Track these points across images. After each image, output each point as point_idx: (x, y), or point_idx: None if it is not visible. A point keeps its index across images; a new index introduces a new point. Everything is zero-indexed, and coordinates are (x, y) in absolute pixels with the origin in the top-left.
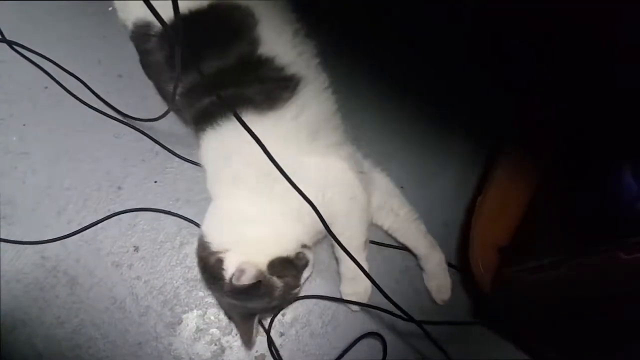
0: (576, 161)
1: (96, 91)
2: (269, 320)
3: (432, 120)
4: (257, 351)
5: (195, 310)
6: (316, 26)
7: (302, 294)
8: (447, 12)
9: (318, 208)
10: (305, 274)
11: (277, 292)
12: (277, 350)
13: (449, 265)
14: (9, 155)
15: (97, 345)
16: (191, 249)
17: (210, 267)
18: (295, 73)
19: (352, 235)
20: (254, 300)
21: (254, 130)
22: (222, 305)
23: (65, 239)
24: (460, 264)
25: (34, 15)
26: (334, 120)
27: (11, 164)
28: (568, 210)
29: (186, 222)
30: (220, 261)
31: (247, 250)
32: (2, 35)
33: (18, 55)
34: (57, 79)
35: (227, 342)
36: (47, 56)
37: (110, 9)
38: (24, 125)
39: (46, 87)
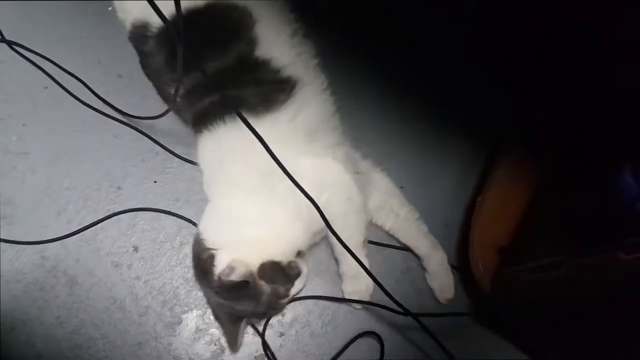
0: (576, 161)
1: (96, 91)
2: (263, 323)
3: (432, 120)
4: (257, 351)
5: (195, 310)
6: (315, 26)
7: (302, 294)
8: (447, 12)
9: (315, 209)
10: (298, 286)
11: (264, 298)
12: (272, 354)
13: (450, 266)
14: (8, 155)
15: (97, 345)
16: (191, 249)
17: (202, 262)
18: (293, 75)
19: (349, 235)
20: (240, 302)
21: (250, 133)
22: (210, 304)
23: (65, 239)
24: (460, 264)
25: (34, 15)
26: (332, 122)
27: (11, 164)
28: (568, 210)
29: (186, 222)
30: (212, 257)
31: (239, 249)
32: (2, 36)
33: (18, 55)
34: (57, 79)
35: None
36: (47, 56)
37: (110, 8)
38: (24, 125)
39: (46, 87)
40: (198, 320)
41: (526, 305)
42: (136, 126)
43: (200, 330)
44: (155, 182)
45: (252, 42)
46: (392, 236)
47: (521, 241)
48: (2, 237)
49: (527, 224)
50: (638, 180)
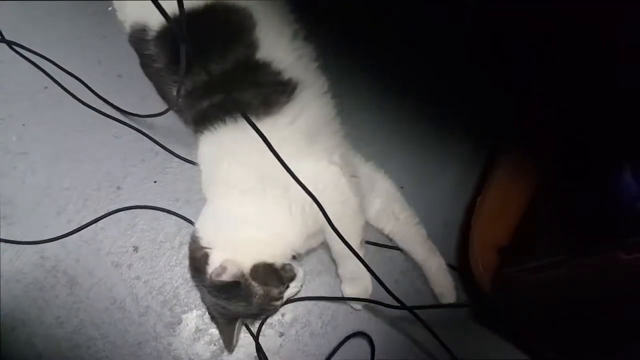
0: (576, 161)
1: (96, 91)
2: (257, 327)
3: (432, 120)
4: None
5: (194, 310)
6: (316, 27)
7: (301, 294)
8: (447, 12)
9: (314, 211)
10: (292, 289)
11: (256, 299)
12: (265, 357)
13: (449, 266)
14: (8, 155)
15: (97, 345)
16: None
17: (196, 260)
18: (293, 77)
19: (346, 238)
20: (232, 302)
21: (250, 134)
22: (205, 303)
23: (65, 239)
24: (460, 264)
25: (34, 15)
26: (333, 125)
27: (11, 164)
28: (568, 210)
29: (186, 222)
30: (206, 256)
31: (233, 249)
32: (2, 36)
33: (18, 56)
34: (57, 79)
35: None
36: (47, 56)
37: (110, 8)
38: (24, 125)
39: (46, 87)
40: (198, 320)
41: (526, 305)
42: (136, 126)
43: (200, 330)
44: (155, 182)
45: (253, 45)
46: (390, 240)
47: (521, 241)
48: (2, 237)
49: (527, 224)
50: (638, 180)
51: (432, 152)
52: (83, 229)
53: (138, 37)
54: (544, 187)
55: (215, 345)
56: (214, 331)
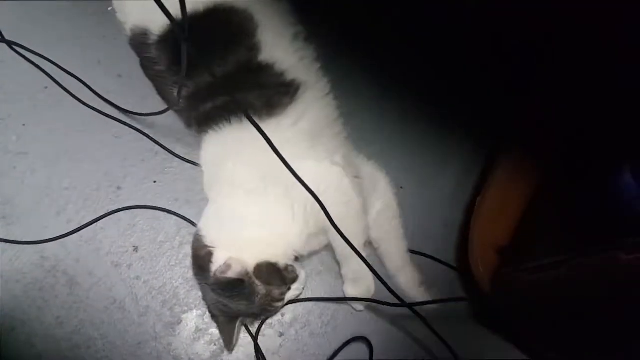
0: (576, 161)
1: (96, 91)
2: (256, 327)
3: (432, 120)
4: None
5: (194, 310)
6: (316, 27)
7: (302, 295)
8: (447, 12)
9: (316, 212)
10: (293, 291)
11: (259, 299)
12: (264, 357)
13: (449, 266)
14: (8, 155)
15: (97, 345)
16: (191, 248)
17: (200, 259)
18: (296, 78)
19: (349, 239)
20: (234, 300)
21: (253, 135)
22: (206, 301)
23: (65, 239)
24: (460, 264)
25: (34, 15)
26: (336, 126)
27: (10, 164)
28: (568, 210)
29: (186, 222)
30: (210, 254)
31: (237, 248)
32: (2, 36)
33: (18, 56)
34: (56, 79)
35: None
36: (47, 56)
37: (110, 8)
38: (24, 125)
39: (46, 87)
40: (198, 320)
41: (526, 305)
42: (136, 126)
43: (200, 330)
44: (155, 182)
45: (255, 46)
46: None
47: (521, 241)
48: (2, 237)
49: (527, 224)
50: (638, 180)
51: (432, 152)
52: (83, 229)
53: (139, 41)
54: (544, 187)
55: (215, 345)
56: (214, 331)
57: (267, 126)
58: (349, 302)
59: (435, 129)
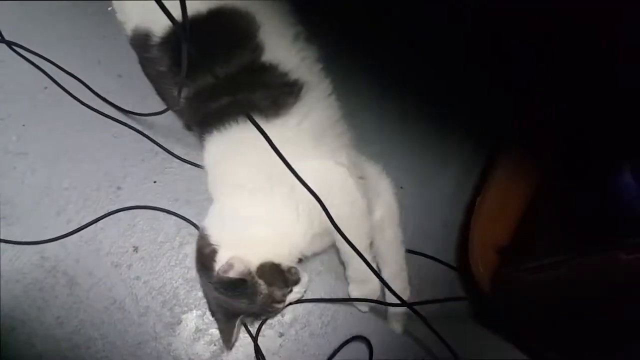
0: (576, 161)
1: (96, 91)
2: (256, 328)
3: (432, 120)
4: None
5: (194, 311)
6: (316, 27)
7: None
8: (447, 12)
9: (318, 214)
10: (295, 294)
11: (260, 298)
12: (263, 358)
13: (449, 266)
14: (8, 156)
15: (97, 345)
16: (190, 249)
17: (204, 257)
18: (299, 78)
19: (354, 239)
20: (236, 299)
21: (258, 135)
22: (208, 299)
23: (65, 240)
24: (460, 264)
25: (34, 15)
26: (339, 127)
27: (10, 164)
28: (568, 210)
29: (185, 223)
30: (214, 252)
31: (241, 247)
32: (2, 36)
33: (17, 56)
34: (56, 79)
35: None
36: (47, 56)
37: (110, 9)
38: (24, 125)
39: (46, 88)
40: (198, 320)
41: (526, 305)
42: (136, 126)
43: (200, 330)
44: (155, 182)
45: (258, 47)
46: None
47: (521, 241)
48: (2, 237)
49: (527, 224)
50: (638, 180)
51: (432, 152)
52: (83, 229)
53: (140, 41)
54: (544, 187)
55: (215, 345)
56: (214, 331)
57: (273, 126)
58: (353, 303)
59: (435, 129)
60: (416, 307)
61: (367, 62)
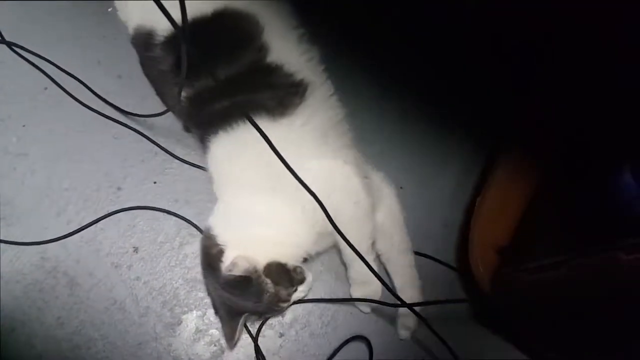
0: (576, 161)
1: (96, 92)
2: (257, 328)
3: (432, 120)
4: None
5: (194, 311)
6: (316, 27)
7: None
8: (447, 12)
9: (321, 214)
10: (299, 293)
11: (266, 297)
12: (263, 358)
13: (449, 266)
14: (8, 156)
15: (97, 346)
16: (191, 250)
17: (211, 257)
18: (304, 79)
19: (357, 240)
20: (242, 297)
21: (268, 135)
22: (212, 297)
23: (65, 240)
24: (460, 264)
25: (34, 15)
26: (342, 127)
27: (10, 165)
28: (568, 210)
29: (186, 223)
30: (221, 252)
31: (248, 247)
32: (2, 37)
33: (18, 57)
34: (56, 80)
35: None
36: (47, 57)
37: (110, 9)
38: (24, 126)
39: (46, 88)
40: (198, 321)
41: (526, 305)
42: (136, 127)
43: (200, 331)
44: (155, 182)
45: (262, 48)
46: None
47: (521, 241)
48: (2, 238)
49: (527, 224)
50: (638, 180)
51: (432, 152)
52: (83, 229)
53: (143, 40)
54: (544, 187)
55: (215, 345)
56: (214, 332)
57: (280, 126)
58: (356, 303)
59: (435, 129)
60: (416, 308)
61: (367, 62)
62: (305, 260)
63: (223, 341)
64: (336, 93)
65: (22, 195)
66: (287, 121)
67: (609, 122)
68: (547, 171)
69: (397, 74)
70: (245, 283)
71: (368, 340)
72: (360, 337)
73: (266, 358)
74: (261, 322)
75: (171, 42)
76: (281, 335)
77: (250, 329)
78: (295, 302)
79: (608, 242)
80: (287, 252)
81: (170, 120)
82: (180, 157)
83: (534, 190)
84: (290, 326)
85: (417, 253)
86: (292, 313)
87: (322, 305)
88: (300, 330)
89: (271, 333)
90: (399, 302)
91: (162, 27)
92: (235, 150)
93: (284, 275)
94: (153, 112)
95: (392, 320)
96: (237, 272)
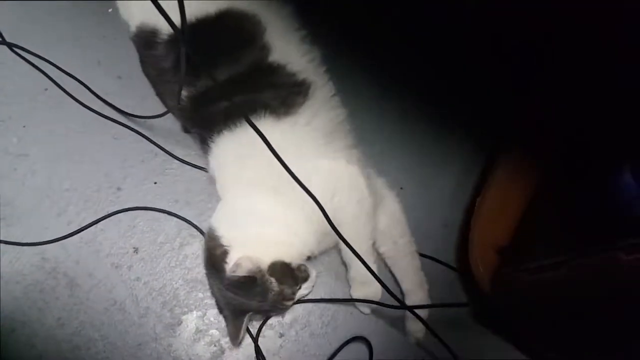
0: (576, 161)
1: (96, 92)
2: (257, 328)
3: (432, 120)
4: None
5: (194, 312)
6: (316, 27)
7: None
8: (447, 12)
9: (326, 210)
10: (303, 290)
11: (271, 296)
12: (264, 358)
13: (449, 266)
14: (8, 157)
15: (97, 346)
16: (191, 250)
17: (215, 257)
18: (306, 78)
19: (359, 239)
20: (247, 297)
21: (272, 134)
22: (215, 296)
23: (65, 241)
24: (460, 264)
25: (34, 15)
26: (344, 127)
27: (11, 166)
28: (568, 210)
29: (186, 224)
30: (225, 253)
31: (253, 247)
32: (2, 38)
33: (18, 57)
34: (57, 80)
35: (227, 343)
36: (47, 57)
37: (110, 10)
38: (24, 126)
39: (46, 89)
40: (198, 321)
41: (526, 305)
42: (136, 127)
43: (200, 331)
44: (155, 183)
45: (264, 49)
46: (383, 261)
47: (521, 241)
48: (2, 238)
49: (527, 224)
50: (638, 180)
51: (432, 152)
52: (83, 230)
53: (145, 38)
54: (544, 187)
55: (215, 346)
56: (214, 332)
57: (285, 124)
58: (356, 304)
59: (435, 129)
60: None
61: (367, 62)
62: (308, 258)
63: (223, 342)
64: (337, 93)
65: (23, 196)
66: (291, 120)
67: (609, 122)
68: (547, 171)
69: (397, 74)
70: (250, 283)
71: (368, 341)
72: (361, 337)
73: (266, 358)
74: (261, 322)
75: (175, 40)
76: (281, 335)
77: (250, 329)
78: (295, 302)
79: (608, 242)
80: (291, 251)
81: (171, 121)
82: (181, 157)
83: (534, 190)
84: (290, 326)
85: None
86: (292, 313)
87: (322, 305)
88: (301, 330)
89: (271, 333)
90: (399, 304)
91: (166, 25)
92: (239, 150)
93: (288, 274)
94: (153, 113)
95: (393, 321)
96: (241, 272)
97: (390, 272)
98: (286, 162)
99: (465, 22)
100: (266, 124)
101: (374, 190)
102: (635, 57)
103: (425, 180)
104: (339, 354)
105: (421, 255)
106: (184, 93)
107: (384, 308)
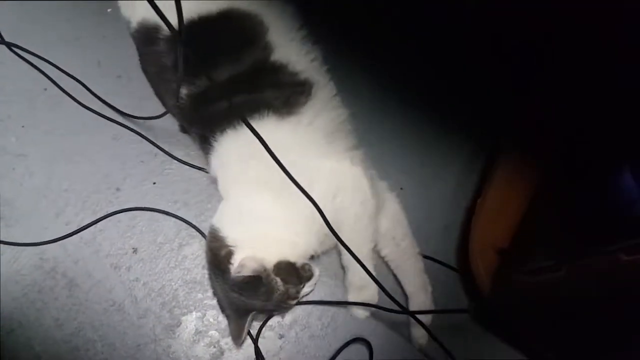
0: (576, 161)
1: (95, 92)
2: (257, 329)
3: (432, 120)
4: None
5: (194, 313)
6: (316, 27)
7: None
8: (447, 12)
9: (329, 211)
10: (307, 288)
11: (276, 295)
12: (263, 359)
13: (449, 267)
14: (7, 157)
15: (96, 347)
16: (190, 251)
17: (220, 258)
18: (309, 78)
19: (360, 241)
20: (252, 296)
21: (275, 134)
22: (218, 296)
23: (64, 241)
24: (460, 265)
25: (33, 15)
26: (346, 126)
27: (9, 166)
28: (568, 210)
29: (185, 224)
30: (230, 254)
31: (258, 247)
32: (2, 38)
33: (17, 57)
34: (56, 80)
35: (227, 344)
36: (46, 57)
37: (109, 10)
38: (23, 126)
39: (45, 89)
40: (197, 322)
41: (526, 306)
42: (135, 128)
43: (200, 332)
44: (154, 183)
45: (267, 48)
46: (385, 264)
47: (521, 242)
48: (1, 238)
49: (527, 224)
50: (638, 180)
51: (432, 152)
52: (82, 230)
53: (147, 34)
54: (544, 188)
55: (214, 347)
56: (214, 333)
57: (289, 124)
58: (352, 309)
59: (435, 129)
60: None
61: (367, 62)
62: (311, 257)
63: (222, 343)
64: (340, 95)
65: (21, 196)
66: (295, 120)
67: (609, 123)
68: (547, 171)
69: (397, 74)
70: (255, 283)
71: (368, 342)
72: (361, 339)
73: (266, 357)
74: (261, 323)
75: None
76: (281, 336)
77: (250, 330)
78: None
79: (608, 243)
80: (296, 251)
81: (170, 122)
82: (180, 158)
83: (534, 191)
84: (290, 328)
85: None
86: (292, 314)
87: (321, 306)
88: (300, 331)
89: (271, 334)
90: (399, 309)
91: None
92: (242, 149)
93: (293, 273)
94: (153, 113)
95: (393, 322)
96: (247, 272)
97: (394, 275)
98: (290, 161)
99: (465, 22)
100: (269, 124)
101: (377, 192)
102: (635, 57)
103: (425, 180)
104: (339, 355)
105: (421, 256)
106: (183, 91)
107: (383, 311)
